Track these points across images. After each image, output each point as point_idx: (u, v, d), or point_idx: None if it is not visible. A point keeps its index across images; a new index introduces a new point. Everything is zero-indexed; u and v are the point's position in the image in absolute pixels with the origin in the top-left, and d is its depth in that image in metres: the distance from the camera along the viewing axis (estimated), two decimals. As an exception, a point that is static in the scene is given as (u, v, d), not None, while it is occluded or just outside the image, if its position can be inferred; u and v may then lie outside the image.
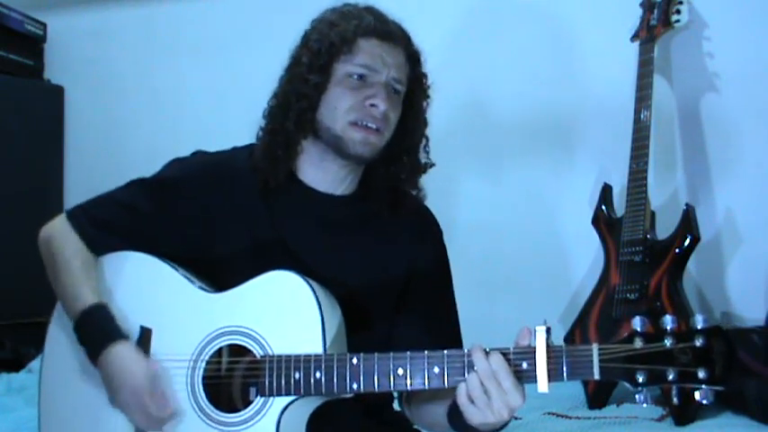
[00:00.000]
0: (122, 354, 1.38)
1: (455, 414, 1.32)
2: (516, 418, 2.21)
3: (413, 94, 1.52)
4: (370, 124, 1.45)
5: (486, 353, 1.25)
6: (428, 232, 1.60)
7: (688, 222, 2.33)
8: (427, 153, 1.57)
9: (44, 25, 3.37)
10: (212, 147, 1.61)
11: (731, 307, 2.59)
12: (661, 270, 2.32)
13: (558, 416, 2.27)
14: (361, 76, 1.45)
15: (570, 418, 2.26)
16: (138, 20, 3.34)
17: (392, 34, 1.48)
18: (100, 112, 3.38)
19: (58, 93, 3.40)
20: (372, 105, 1.44)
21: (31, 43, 3.35)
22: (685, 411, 2.17)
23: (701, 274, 2.60)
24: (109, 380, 1.40)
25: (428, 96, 1.56)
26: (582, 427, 2.18)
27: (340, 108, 1.45)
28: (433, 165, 1.57)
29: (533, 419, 2.21)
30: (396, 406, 1.63)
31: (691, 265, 2.38)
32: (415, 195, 1.57)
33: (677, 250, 2.32)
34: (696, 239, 2.32)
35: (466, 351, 1.27)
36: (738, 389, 2.18)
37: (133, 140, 3.30)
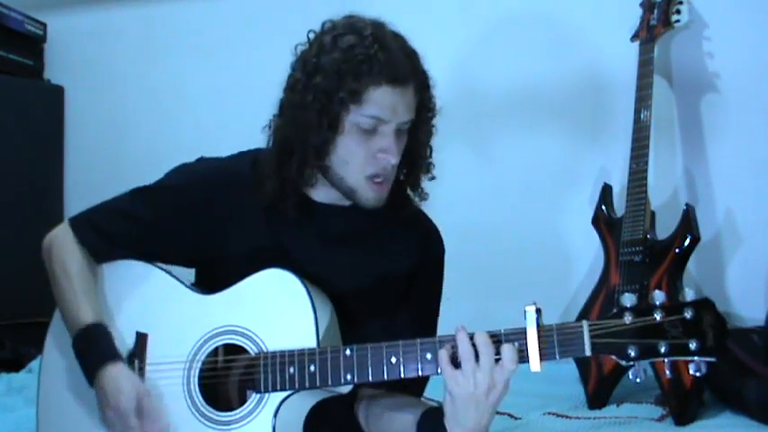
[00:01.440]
0: (114, 374, 1.39)
1: (428, 421, 1.33)
2: (516, 418, 2.21)
3: (419, 117, 1.47)
4: (383, 179, 1.43)
5: (471, 336, 1.27)
6: (431, 247, 1.60)
7: (688, 222, 2.33)
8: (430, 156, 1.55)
9: (44, 25, 3.37)
10: (212, 146, 1.61)
11: (731, 307, 2.59)
12: (661, 270, 2.31)
13: (558, 416, 2.26)
14: (370, 127, 1.40)
15: (570, 418, 2.25)
16: (138, 20, 3.34)
17: (403, 76, 1.39)
18: (100, 112, 3.38)
19: (57, 93, 3.40)
20: (385, 159, 1.41)
21: (31, 43, 3.34)
22: (685, 411, 2.17)
23: (701, 274, 2.60)
24: (100, 399, 1.41)
25: (434, 114, 1.51)
26: (582, 427, 2.17)
27: (352, 162, 1.41)
28: (433, 166, 1.55)
29: (533, 419, 2.21)
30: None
31: (691, 265, 2.38)
32: (416, 204, 1.56)
33: (677, 250, 2.31)
34: (696, 239, 2.32)
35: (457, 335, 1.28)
36: (738, 389, 2.18)
37: (133, 140, 3.30)
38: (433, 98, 1.50)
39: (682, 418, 2.17)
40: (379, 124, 1.39)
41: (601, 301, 2.42)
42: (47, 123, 3.36)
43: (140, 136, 3.29)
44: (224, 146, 1.61)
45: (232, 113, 3.00)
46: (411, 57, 1.44)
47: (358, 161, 1.41)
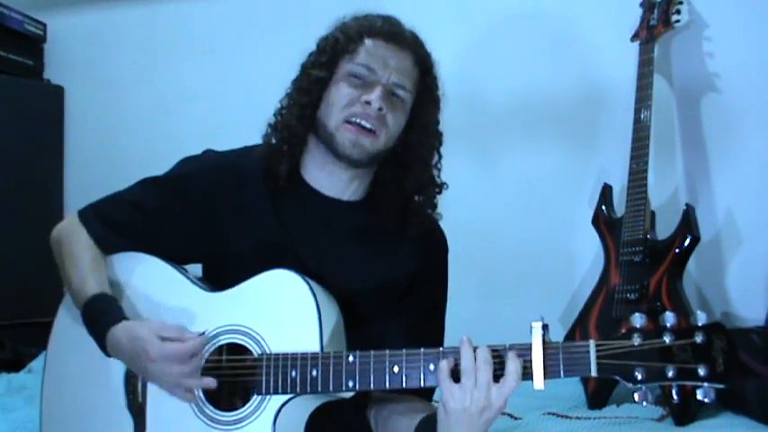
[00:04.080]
0: (123, 330, 1.37)
1: (424, 427, 1.33)
2: (516, 418, 2.21)
3: (421, 103, 1.51)
4: (363, 123, 1.44)
5: (474, 348, 1.24)
6: (434, 247, 1.60)
7: (688, 222, 2.33)
8: (438, 170, 1.55)
9: (44, 25, 3.37)
10: (212, 147, 1.61)
11: (731, 307, 2.59)
12: (661, 270, 2.31)
13: (558, 416, 2.26)
14: (361, 76, 1.45)
15: (570, 418, 2.25)
16: (138, 20, 3.34)
17: (399, 37, 1.47)
18: (100, 112, 3.38)
19: (58, 93, 3.40)
20: (367, 103, 1.43)
21: (31, 43, 3.35)
22: (685, 411, 2.17)
23: (701, 274, 2.60)
24: (127, 361, 1.39)
25: (438, 108, 1.54)
26: (582, 427, 2.17)
27: (336, 104, 1.45)
28: (446, 186, 1.56)
29: (533, 419, 2.21)
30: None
31: (691, 265, 2.38)
32: (429, 214, 1.56)
33: (677, 250, 2.31)
34: (696, 239, 2.32)
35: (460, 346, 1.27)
36: (738, 389, 2.18)
37: (133, 140, 3.30)
38: (438, 85, 1.53)
39: (682, 418, 2.17)
40: (368, 75, 1.45)
41: (601, 302, 2.42)
42: (47, 123, 3.36)
43: (140, 136, 3.28)
44: (224, 146, 1.61)
45: (232, 113, 3.00)
46: (414, 34, 1.51)
47: (342, 103, 1.45)
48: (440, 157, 1.56)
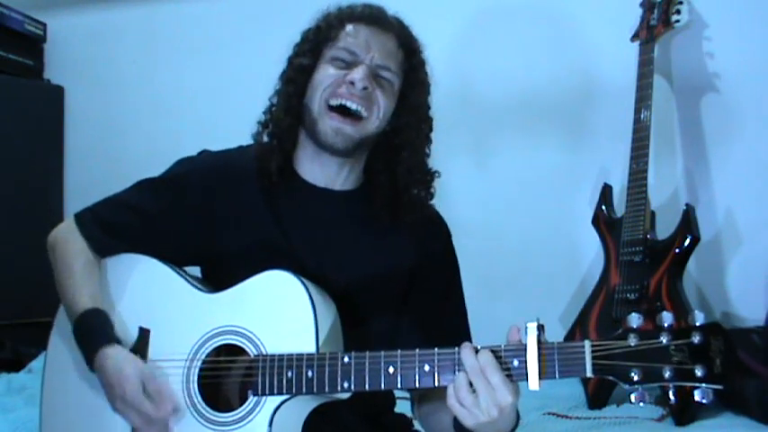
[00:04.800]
0: (114, 356, 1.38)
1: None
2: (516, 419, 2.21)
3: (408, 85, 1.49)
4: (349, 104, 1.42)
5: (476, 350, 1.23)
6: (434, 233, 1.58)
7: (688, 222, 2.33)
8: (427, 155, 1.53)
9: (44, 25, 3.37)
10: (212, 147, 1.61)
11: (731, 307, 2.59)
12: (661, 270, 2.31)
13: (558, 416, 2.26)
14: (344, 59, 1.44)
15: (570, 418, 2.26)
16: (138, 20, 3.35)
17: (381, 20, 1.47)
18: (100, 112, 3.38)
19: (58, 93, 3.40)
20: (351, 83, 1.42)
21: (31, 43, 3.35)
22: (685, 411, 2.17)
23: (701, 274, 2.60)
24: (105, 384, 1.40)
25: (426, 91, 1.52)
26: (582, 427, 2.17)
27: (320, 86, 1.44)
28: (438, 174, 1.54)
29: (533, 419, 2.21)
30: (396, 410, 1.63)
31: (691, 265, 2.38)
32: (424, 202, 1.54)
33: (677, 250, 2.32)
34: (696, 239, 2.32)
35: (456, 349, 1.25)
36: (738, 389, 2.18)
37: (133, 140, 3.30)
38: (425, 69, 1.52)
39: (682, 418, 2.17)
40: (351, 58, 1.44)
41: (601, 302, 2.42)
42: (47, 123, 3.36)
43: (140, 136, 3.29)
44: (224, 145, 1.61)
45: (232, 113, 2.99)
46: (398, 18, 1.51)
47: (325, 84, 1.44)
48: (430, 141, 1.54)
